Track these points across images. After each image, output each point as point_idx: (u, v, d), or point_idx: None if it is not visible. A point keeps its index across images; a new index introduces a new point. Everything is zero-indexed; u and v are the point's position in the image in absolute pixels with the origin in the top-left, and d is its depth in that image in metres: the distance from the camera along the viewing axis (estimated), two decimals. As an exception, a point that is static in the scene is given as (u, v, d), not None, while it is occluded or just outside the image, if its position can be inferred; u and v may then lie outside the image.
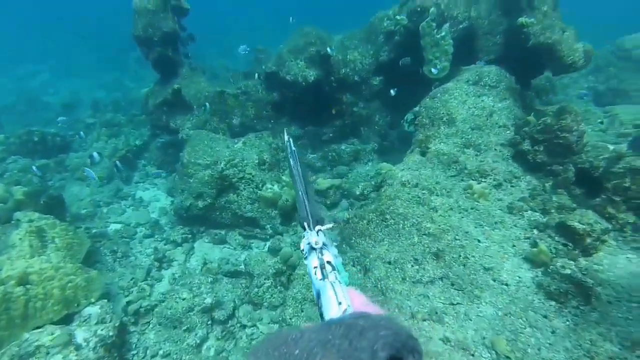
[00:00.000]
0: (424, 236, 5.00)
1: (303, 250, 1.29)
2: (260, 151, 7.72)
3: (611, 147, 5.63)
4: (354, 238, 5.36)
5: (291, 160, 1.81)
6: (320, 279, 1.09)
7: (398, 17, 8.40)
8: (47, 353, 4.04)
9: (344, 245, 5.51)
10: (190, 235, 7.33)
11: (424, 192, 5.53)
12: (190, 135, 8.40)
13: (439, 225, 5.08)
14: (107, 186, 8.92)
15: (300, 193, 1.55)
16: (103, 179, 8.83)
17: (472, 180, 5.75)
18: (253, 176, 7.39)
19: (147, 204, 8.61)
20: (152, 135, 11.02)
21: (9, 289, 4.34)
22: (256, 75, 9.75)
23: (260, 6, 42.01)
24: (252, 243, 7.25)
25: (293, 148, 1.86)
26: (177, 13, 9.82)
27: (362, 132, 10.28)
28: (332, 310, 0.94)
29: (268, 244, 7.05)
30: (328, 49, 9.08)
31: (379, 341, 0.55)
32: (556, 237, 4.68)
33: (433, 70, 8.32)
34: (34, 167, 8.67)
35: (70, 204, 7.96)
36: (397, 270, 4.78)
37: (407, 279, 4.68)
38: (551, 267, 4.31)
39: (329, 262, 1.15)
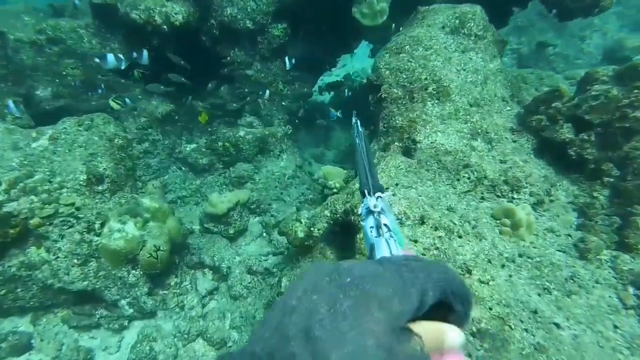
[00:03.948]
0: (473, 339, 2.43)
1: (361, 213, 1.28)
2: (91, 155, 3.96)
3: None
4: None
5: (357, 139, 1.70)
6: (375, 236, 1.09)
7: None
8: None
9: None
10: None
11: (439, 234, 2.91)
12: None
13: (490, 307, 2.56)
14: None
15: (362, 163, 1.51)
16: None
17: (501, 197, 3.36)
18: (78, 209, 3.69)
19: None
20: None
21: None
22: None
23: None
24: (94, 342, 3.70)
25: (360, 129, 1.76)
26: None
27: (262, 107, 7.10)
28: None
29: (127, 343, 3.62)
30: None
31: (429, 282, 0.51)
32: (695, 311, 2.63)
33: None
34: None
35: None
36: None
37: None
38: None
39: (385, 225, 1.12)
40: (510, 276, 2.84)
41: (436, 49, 4.17)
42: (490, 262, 2.87)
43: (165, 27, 5.30)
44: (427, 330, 0.49)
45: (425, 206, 3.08)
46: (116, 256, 3.67)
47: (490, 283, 2.70)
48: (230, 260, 4.38)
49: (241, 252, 4.67)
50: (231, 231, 4.76)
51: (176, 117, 6.58)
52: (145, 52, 5.17)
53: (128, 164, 4.25)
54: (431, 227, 2.93)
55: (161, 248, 3.84)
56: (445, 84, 3.85)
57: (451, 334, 0.51)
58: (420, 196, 3.17)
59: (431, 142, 3.52)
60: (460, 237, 2.95)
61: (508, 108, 4.29)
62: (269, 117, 7.14)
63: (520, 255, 2.97)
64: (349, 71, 13.03)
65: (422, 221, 2.96)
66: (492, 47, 4.61)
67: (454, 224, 3.01)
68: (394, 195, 3.10)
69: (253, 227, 5.15)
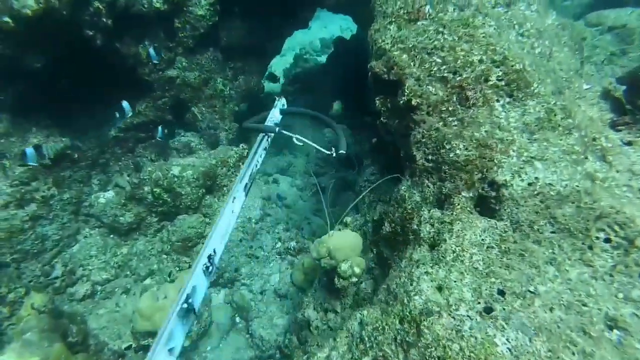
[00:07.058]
0: None
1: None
2: None
3: None
4: None
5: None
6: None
7: None
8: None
9: None
10: None
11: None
12: None
13: None
14: None
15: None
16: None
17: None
18: None
19: None
20: None
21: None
22: None
23: None
24: None
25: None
26: None
27: (198, 117, 5.16)
28: None
29: None
30: None
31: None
32: None
33: None
34: None
35: None
36: None
37: None
38: None
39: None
40: None
41: (477, 5, 2.46)
42: None
43: (9, 21, 3.14)
44: None
45: (579, 339, 1.47)
46: None
47: None
48: None
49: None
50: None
51: (76, 156, 4.49)
52: None
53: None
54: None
55: None
56: (516, 66, 2.17)
57: None
58: (552, 310, 1.55)
59: (529, 184, 1.88)
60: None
61: (586, 86, 2.75)
62: (213, 130, 5.22)
63: None
64: (296, 51, 11.09)
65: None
66: (541, -8, 2.99)
67: (646, 369, 1.44)
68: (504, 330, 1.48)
69: (217, 313, 3.37)
